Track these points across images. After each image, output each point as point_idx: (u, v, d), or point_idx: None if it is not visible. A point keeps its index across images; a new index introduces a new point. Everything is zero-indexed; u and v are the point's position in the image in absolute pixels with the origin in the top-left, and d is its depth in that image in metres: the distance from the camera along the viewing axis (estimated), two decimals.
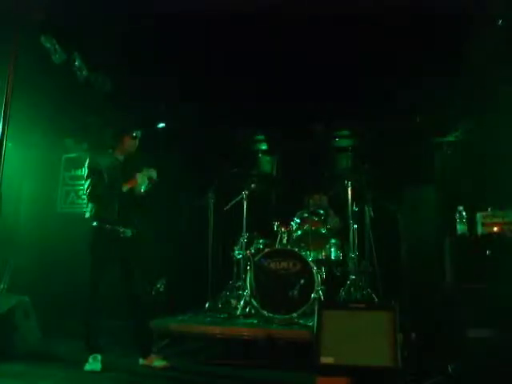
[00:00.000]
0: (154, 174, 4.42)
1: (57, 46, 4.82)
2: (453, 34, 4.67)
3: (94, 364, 3.95)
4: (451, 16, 4.41)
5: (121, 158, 4.45)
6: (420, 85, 5.29)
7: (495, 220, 4.22)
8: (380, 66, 5.17)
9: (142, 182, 4.32)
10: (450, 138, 6.14)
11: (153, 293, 5.45)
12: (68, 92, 5.47)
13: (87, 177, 4.24)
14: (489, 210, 4.28)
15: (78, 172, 6.98)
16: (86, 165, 4.29)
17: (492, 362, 3.40)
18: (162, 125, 6.08)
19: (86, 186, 4.24)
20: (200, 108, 5.93)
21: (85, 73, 5.17)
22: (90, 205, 4.27)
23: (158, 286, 5.47)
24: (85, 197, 4.38)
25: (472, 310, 3.78)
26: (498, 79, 5.06)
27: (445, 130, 6.10)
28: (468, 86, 5.29)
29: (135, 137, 4.46)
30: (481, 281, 3.97)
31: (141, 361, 4.20)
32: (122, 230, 4.21)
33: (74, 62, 5.09)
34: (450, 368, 3.53)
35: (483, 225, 4.23)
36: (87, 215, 4.25)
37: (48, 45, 4.79)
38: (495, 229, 4.19)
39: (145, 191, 4.34)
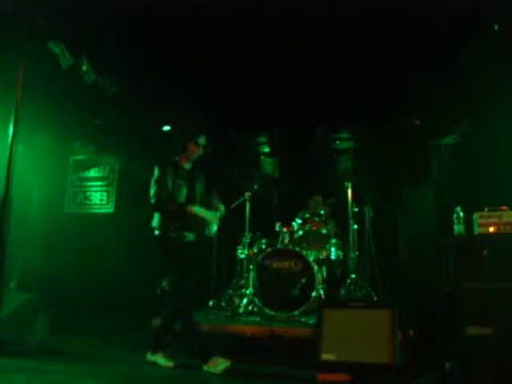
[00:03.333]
0: (222, 210, 4.37)
1: (65, 51, 4.93)
2: (451, 36, 4.76)
3: (166, 361, 4.02)
4: (449, 19, 4.50)
5: (187, 166, 4.29)
6: (419, 87, 5.38)
7: (491, 220, 4.31)
8: (379, 69, 5.26)
9: (213, 222, 4.25)
10: (448, 141, 6.23)
11: (158, 291, 5.56)
12: (75, 96, 5.57)
13: (153, 185, 4.06)
14: (485, 210, 4.37)
15: (86, 173, 7.13)
16: (154, 172, 4.11)
17: (489, 360, 3.47)
18: (167, 128, 6.19)
19: (151, 194, 4.05)
20: (204, 110, 6.02)
21: (92, 77, 5.28)
22: (155, 214, 4.13)
23: (164, 284, 5.57)
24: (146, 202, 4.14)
25: (470, 308, 3.86)
26: (494, 82, 5.16)
27: (442, 132, 6.20)
28: (465, 88, 5.39)
29: (199, 144, 4.24)
30: (478, 280, 4.07)
31: (205, 367, 3.89)
32: (186, 235, 4.10)
33: (82, 66, 5.20)
34: (447, 365, 3.60)
35: (480, 225, 4.32)
36: (154, 224, 4.11)
37: (56, 50, 4.90)
38: (491, 229, 4.28)
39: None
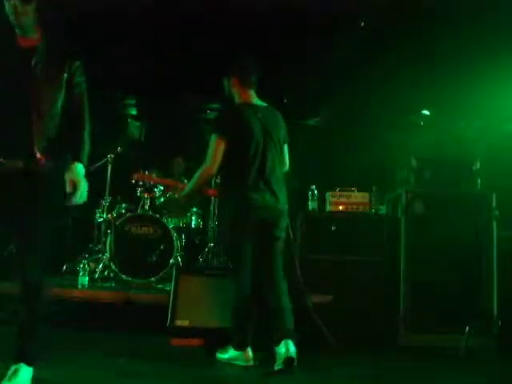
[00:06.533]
0: None
1: None
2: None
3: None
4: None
5: None
6: (289, 70, 5.59)
7: (341, 199, 4.68)
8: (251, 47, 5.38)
9: None
10: (311, 122, 6.57)
11: (5, 253, 5.20)
12: None
13: None
14: (337, 190, 4.73)
15: None
16: None
17: (330, 323, 3.79)
18: None
19: None
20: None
21: None
22: None
23: (12, 247, 5.21)
24: None
25: (317, 278, 4.18)
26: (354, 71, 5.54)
27: (306, 114, 6.52)
28: (328, 76, 5.73)
29: None
30: (326, 252, 4.43)
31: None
32: None
33: None
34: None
35: (331, 203, 4.68)
36: None
37: None
38: (341, 207, 4.66)
39: None
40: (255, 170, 3.25)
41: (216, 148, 3.25)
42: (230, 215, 3.29)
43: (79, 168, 2.51)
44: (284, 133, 3.48)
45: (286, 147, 3.53)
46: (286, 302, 3.24)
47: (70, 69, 2.57)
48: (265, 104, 3.46)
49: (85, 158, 2.56)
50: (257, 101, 3.45)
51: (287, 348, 3.01)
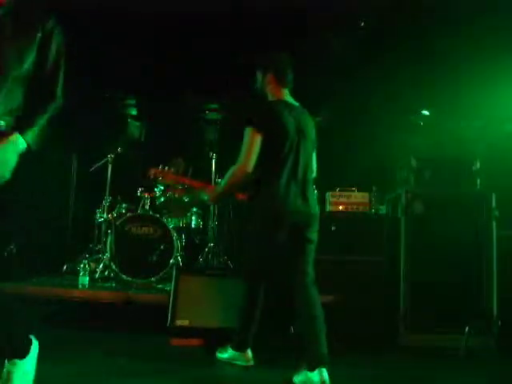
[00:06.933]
0: None
1: None
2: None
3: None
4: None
5: None
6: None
7: (341, 199, 4.68)
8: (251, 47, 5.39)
9: None
10: None
11: (5, 254, 5.21)
12: None
13: None
14: (337, 190, 4.73)
15: None
16: None
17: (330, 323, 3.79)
18: None
19: None
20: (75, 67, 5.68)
21: None
22: None
23: (12, 246, 5.22)
24: None
25: (317, 278, 4.16)
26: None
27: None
28: (328, 76, 5.74)
29: None
30: (323, 252, 4.42)
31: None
32: None
33: None
34: (292, 329, 3.87)
35: (331, 203, 4.68)
36: None
37: None
38: (340, 207, 4.66)
39: None
40: (288, 170, 3.08)
41: (252, 143, 3.02)
42: (261, 218, 3.11)
43: (14, 141, 2.04)
44: (314, 137, 3.33)
45: (314, 153, 3.40)
46: (319, 309, 3.04)
47: (44, 28, 2.17)
48: (298, 104, 3.31)
49: (32, 134, 2.10)
50: (291, 99, 3.30)
51: (322, 378, 2.78)
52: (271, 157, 3.08)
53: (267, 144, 3.05)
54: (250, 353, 3.30)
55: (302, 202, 3.10)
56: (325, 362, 2.85)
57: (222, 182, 3.24)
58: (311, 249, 3.20)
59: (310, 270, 3.18)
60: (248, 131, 3.06)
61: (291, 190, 3.07)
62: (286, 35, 5.31)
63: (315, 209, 3.21)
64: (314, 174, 3.43)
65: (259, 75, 3.36)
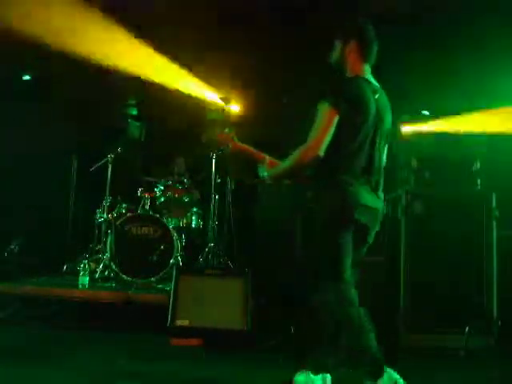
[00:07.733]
0: None
1: None
2: None
3: None
4: None
5: None
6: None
7: None
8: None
9: None
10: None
11: (5, 254, 5.21)
12: None
13: None
14: None
15: None
16: None
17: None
18: (27, 77, 5.73)
19: None
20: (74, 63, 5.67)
21: None
22: None
23: (13, 246, 5.23)
24: None
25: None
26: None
27: (306, 114, 6.54)
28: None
29: None
30: None
31: None
32: None
33: None
34: (292, 328, 3.87)
35: None
36: None
37: None
38: None
39: None
40: (362, 159, 2.60)
41: (327, 121, 2.47)
42: (327, 213, 2.57)
43: None
44: (390, 126, 2.78)
45: (387, 146, 2.84)
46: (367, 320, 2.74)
47: None
48: (379, 85, 2.77)
49: None
50: (372, 79, 2.75)
51: (393, 379, 2.51)
52: (345, 140, 2.56)
53: (341, 125, 2.51)
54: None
55: (372, 197, 2.68)
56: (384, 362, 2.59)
57: (286, 161, 2.66)
58: (364, 252, 2.85)
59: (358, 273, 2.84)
60: (323, 108, 2.51)
61: (362, 183, 2.62)
62: (286, 35, 5.30)
63: (383, 207, 2.82)
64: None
65: (338, 44, 2.78)
